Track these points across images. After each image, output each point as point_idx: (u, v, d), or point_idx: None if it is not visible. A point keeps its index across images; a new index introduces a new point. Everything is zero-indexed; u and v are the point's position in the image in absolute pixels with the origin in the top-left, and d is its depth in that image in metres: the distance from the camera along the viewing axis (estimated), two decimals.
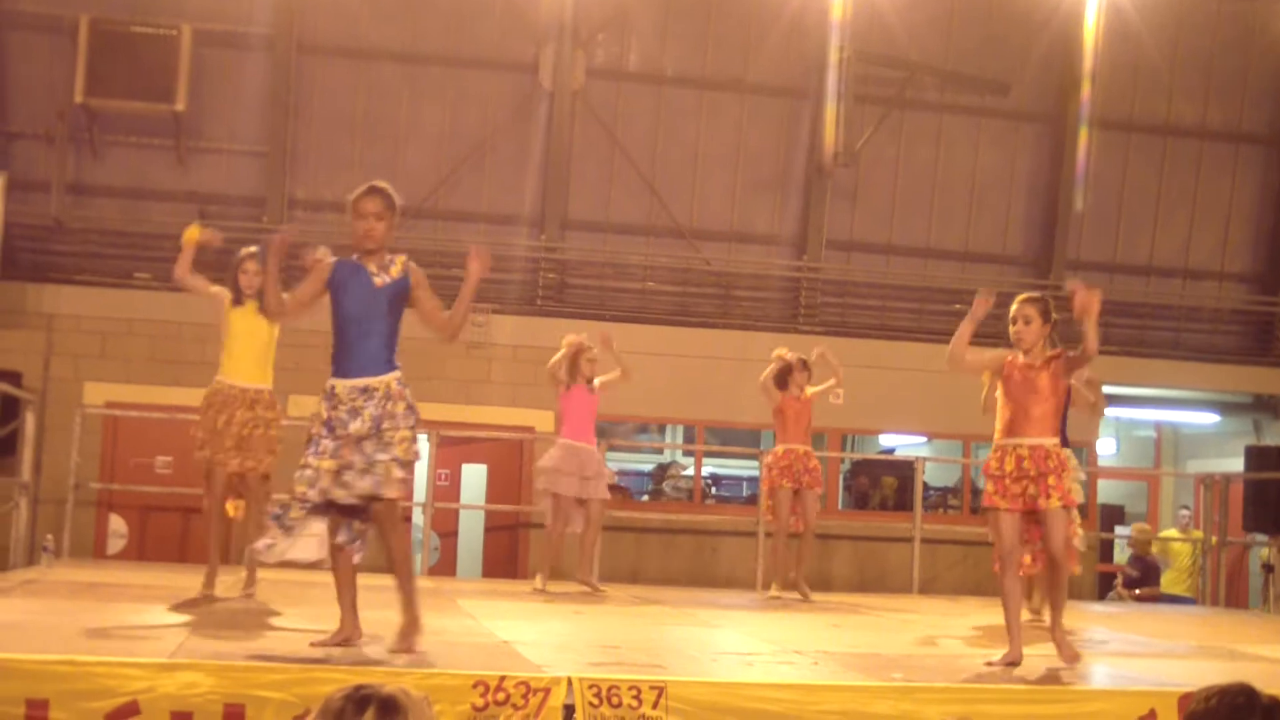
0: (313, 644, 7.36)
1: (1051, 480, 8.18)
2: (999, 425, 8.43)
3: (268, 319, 7.88)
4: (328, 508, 7.30)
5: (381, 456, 7.25)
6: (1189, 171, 20.10)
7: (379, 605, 7.66)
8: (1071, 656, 8.35)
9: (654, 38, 18.77)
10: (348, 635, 7.43)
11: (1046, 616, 9.57)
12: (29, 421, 13.37)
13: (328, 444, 7.26)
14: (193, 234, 10.25)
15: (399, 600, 7.50)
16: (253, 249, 10.34)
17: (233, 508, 10.37)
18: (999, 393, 8.48)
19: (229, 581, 10.50)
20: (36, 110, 17.21)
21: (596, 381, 12.76)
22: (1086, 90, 19.03)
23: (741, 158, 19.02)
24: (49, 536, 14.16)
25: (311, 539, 7.39)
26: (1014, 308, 8.46)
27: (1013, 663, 8.16)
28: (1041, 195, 19.77)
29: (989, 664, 8.21)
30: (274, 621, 8.90)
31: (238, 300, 10.27)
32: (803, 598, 12.96)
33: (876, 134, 18.72)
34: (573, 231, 18.61)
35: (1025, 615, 11.59)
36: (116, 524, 16.53)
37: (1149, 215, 20.05)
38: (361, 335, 7.40)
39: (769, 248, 19.23)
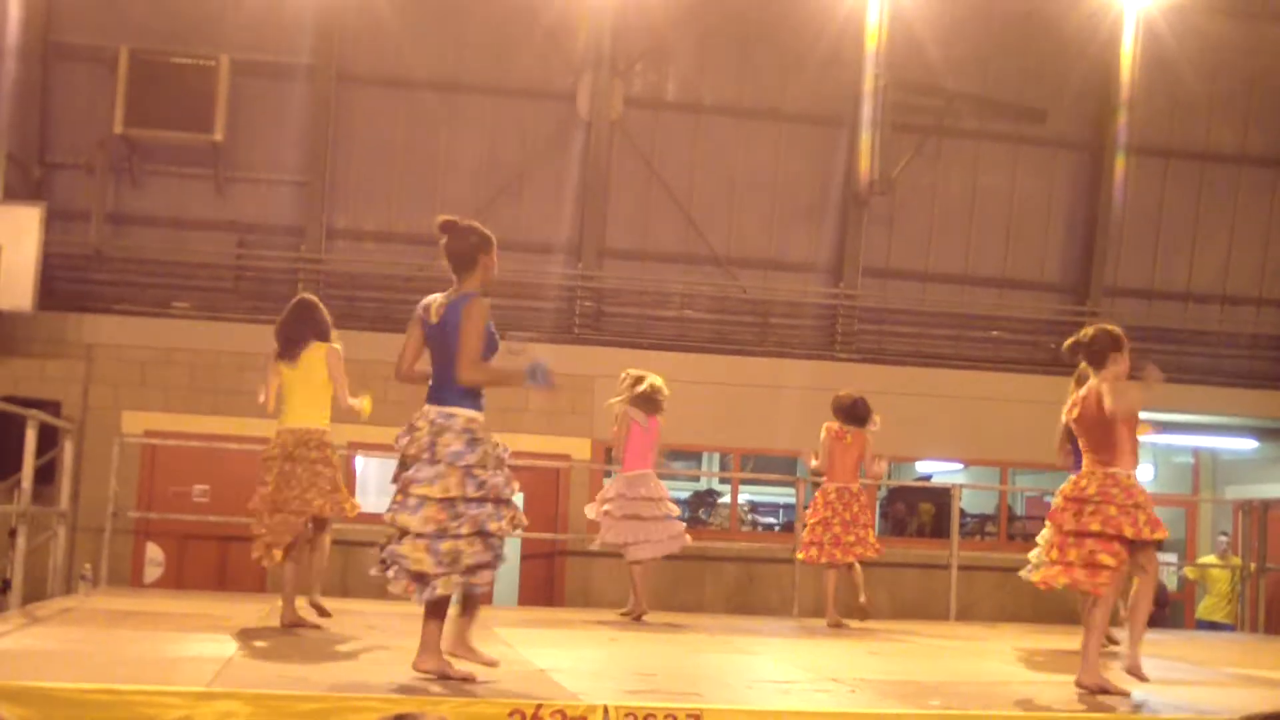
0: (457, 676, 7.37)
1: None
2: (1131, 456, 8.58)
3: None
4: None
5: None
6: (1227, 197, 20.00)
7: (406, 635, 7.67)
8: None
9: (691, 67, 18.80)
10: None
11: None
12: (68, 450, 13.45)
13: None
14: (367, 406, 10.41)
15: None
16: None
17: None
18: (1122, 425, 8.51)
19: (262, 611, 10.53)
20: (77, 140, 17.33)
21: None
22: (1123, 117, 18.99)
23: (779, 186, 19.02)
24: (87, 565, 14.25)
25: None
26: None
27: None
28: (1079, 221, 19.71)
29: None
30: (310, 651, 8.91)
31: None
32: (838, 625, 13.03)
33: (913, 161, 18.72)
34: (610, 260, 18.61)
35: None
36: (154, 552, 16.58)
37: (1187, 241, 19.96)
38: None
39: (806, 275, 19.19)
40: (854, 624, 13.06)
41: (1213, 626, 18.08)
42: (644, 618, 12.70)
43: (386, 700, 6.41)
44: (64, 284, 17.04)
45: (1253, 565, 16.28)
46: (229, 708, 6.23)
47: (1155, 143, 19.53)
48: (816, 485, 13.59)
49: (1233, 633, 16.88)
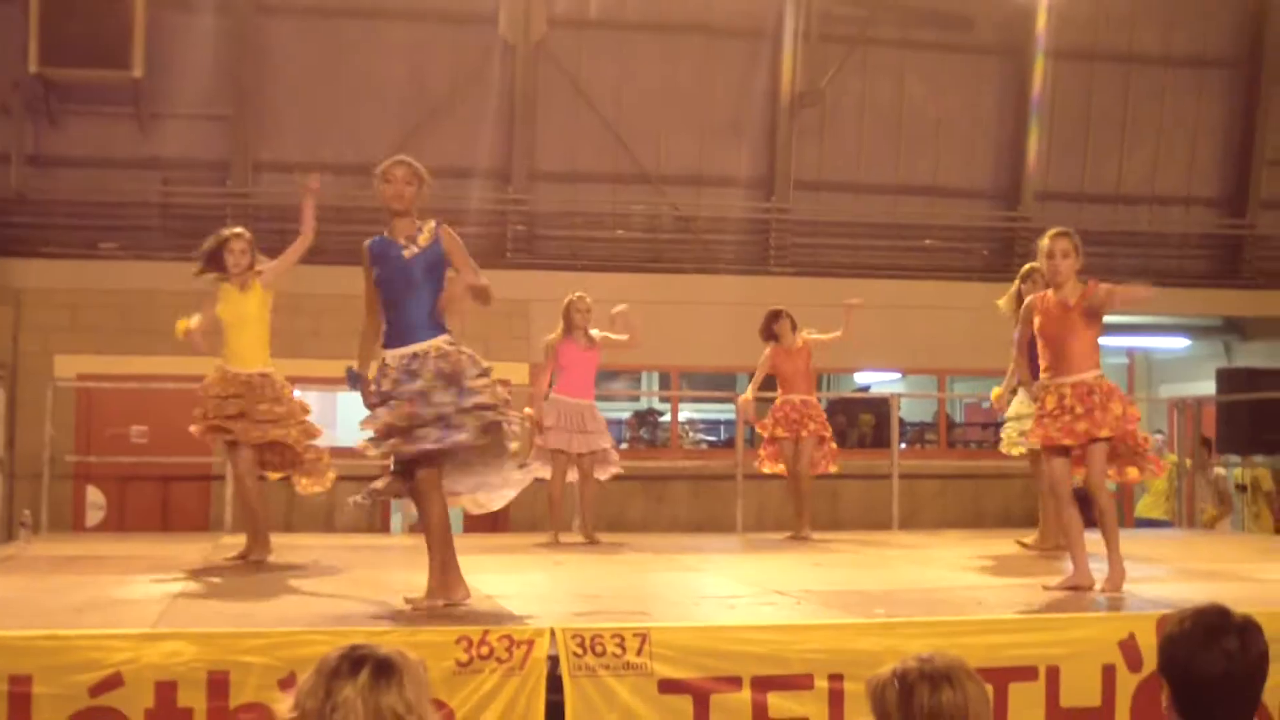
0: (408, 601, 7.53)
1: (1098, 415, 8.38)
2: (1041, 365, 8.73)
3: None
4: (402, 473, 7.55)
5: (465, 403, 7.44)
6: (1154, 98, 20.06)
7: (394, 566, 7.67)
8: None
9: None
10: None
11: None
12: (0, 398, 13.31)
13: (382, 413, 7.44)
14: (183, 326, 10.32)
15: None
16: (237, 230, 10.33)
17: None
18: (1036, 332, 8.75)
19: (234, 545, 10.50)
20: None
21: (596, 334, 12.74)
22: (1046, 21, 18.98)
23: (707, 101, 18.91)
24: (26, 512, 14.10)
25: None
26: (1046, 243, 8.69)
27: (1077, 587, 8.52)
28: (1008, 127, 19.73)
29: (1046, 587, 8.57)
30: (256, 588, 8.88)
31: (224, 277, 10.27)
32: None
33: (841, 73, 18.68)
34: (541, 182, 18.51)
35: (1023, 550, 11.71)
36: (95, 496, 16.45)
37: (1115, 143, 20.03)
38: (400, 307, 7.69)
39: (738, 190, 19.15)
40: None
41: (1151, 524, 18.30)
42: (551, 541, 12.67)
43: (334, 634, 6.38)
44: None
45: (1188, 462, 16.47)
46: (174, 648, 6.20)
47: (1080, 46, 19.55)
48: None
49: (1171, 529, 17.08)
